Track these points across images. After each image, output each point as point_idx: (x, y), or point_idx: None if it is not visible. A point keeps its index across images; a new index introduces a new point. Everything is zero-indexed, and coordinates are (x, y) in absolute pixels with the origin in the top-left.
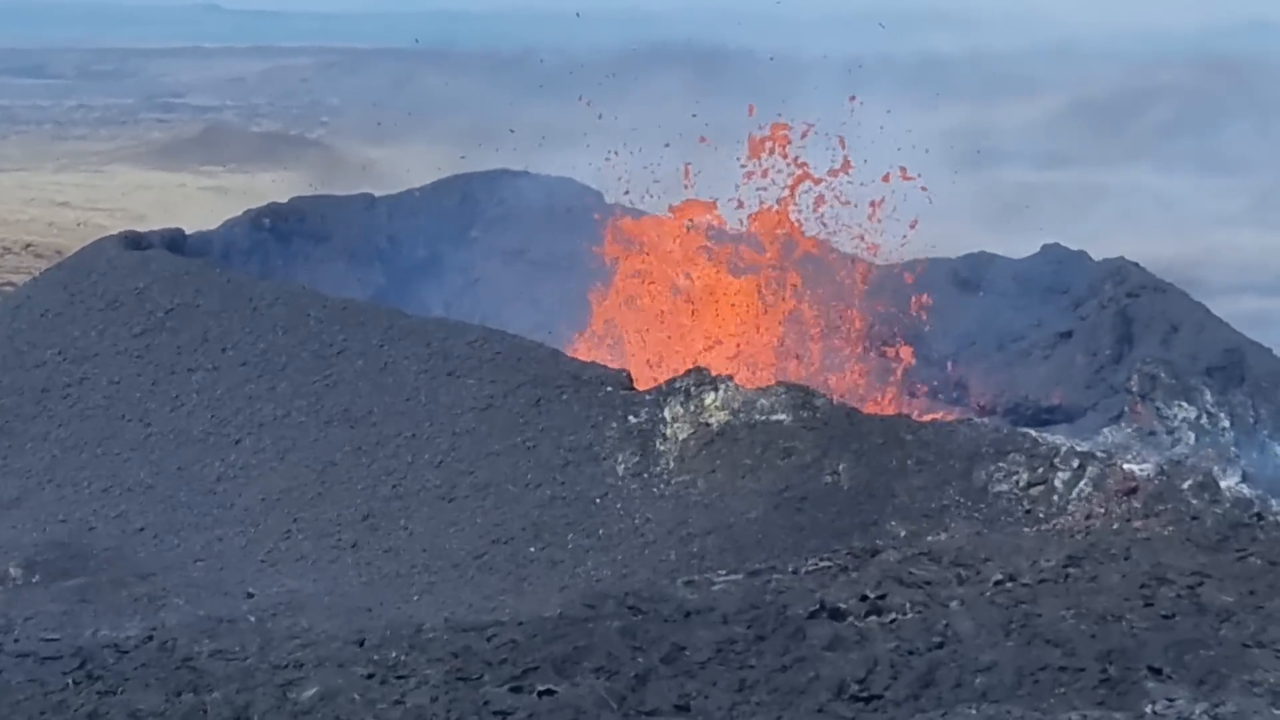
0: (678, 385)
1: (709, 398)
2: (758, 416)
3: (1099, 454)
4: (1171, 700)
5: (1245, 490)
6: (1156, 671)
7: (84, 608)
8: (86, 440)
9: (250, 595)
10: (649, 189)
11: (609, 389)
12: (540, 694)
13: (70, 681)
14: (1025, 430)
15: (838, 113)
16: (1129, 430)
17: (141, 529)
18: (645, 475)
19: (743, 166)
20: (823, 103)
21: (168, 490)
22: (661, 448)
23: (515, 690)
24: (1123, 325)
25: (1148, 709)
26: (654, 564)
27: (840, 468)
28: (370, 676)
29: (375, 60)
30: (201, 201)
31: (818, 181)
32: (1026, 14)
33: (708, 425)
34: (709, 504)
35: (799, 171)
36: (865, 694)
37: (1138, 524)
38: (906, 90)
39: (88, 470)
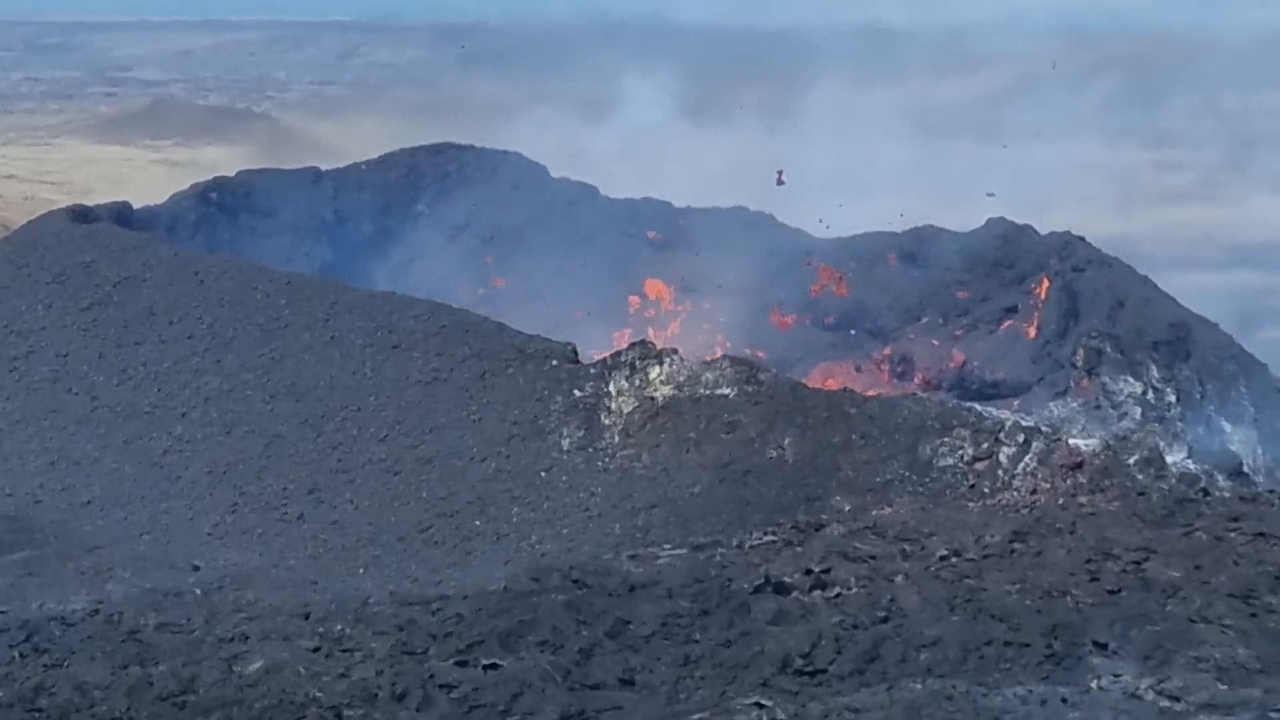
0: (623, 358)
1: (654, 371)
2: (702, 390)
3: (1044, 429)
4: (1117, 675)
5: (1191, 466)
6: (1102, 646)
7: (30, 580)
8: (33, 413)
9: (196, 568)
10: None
11: (554, 362)
12: (485, 667)
13: (16, 654)
14: (970, 405)
15: (787, 85)
16: (1075, 405)
17: (88, 502)
18: (590, 449)
19: None
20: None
21: (114, 463)
22: (606, 421)
23: (460, 664)
24: (1068, 300)
25: (1093, 684)
26: (599, 538)
27: (785, 442)
28: (316, 650)
29: (322, 34)
30: (149, 175)
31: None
32: None
33: (653, 399)
34: (653, 478)
35: None
36: (810, 668)
37: (1083, 499)
38: (855, 63)
39: (34, 443)
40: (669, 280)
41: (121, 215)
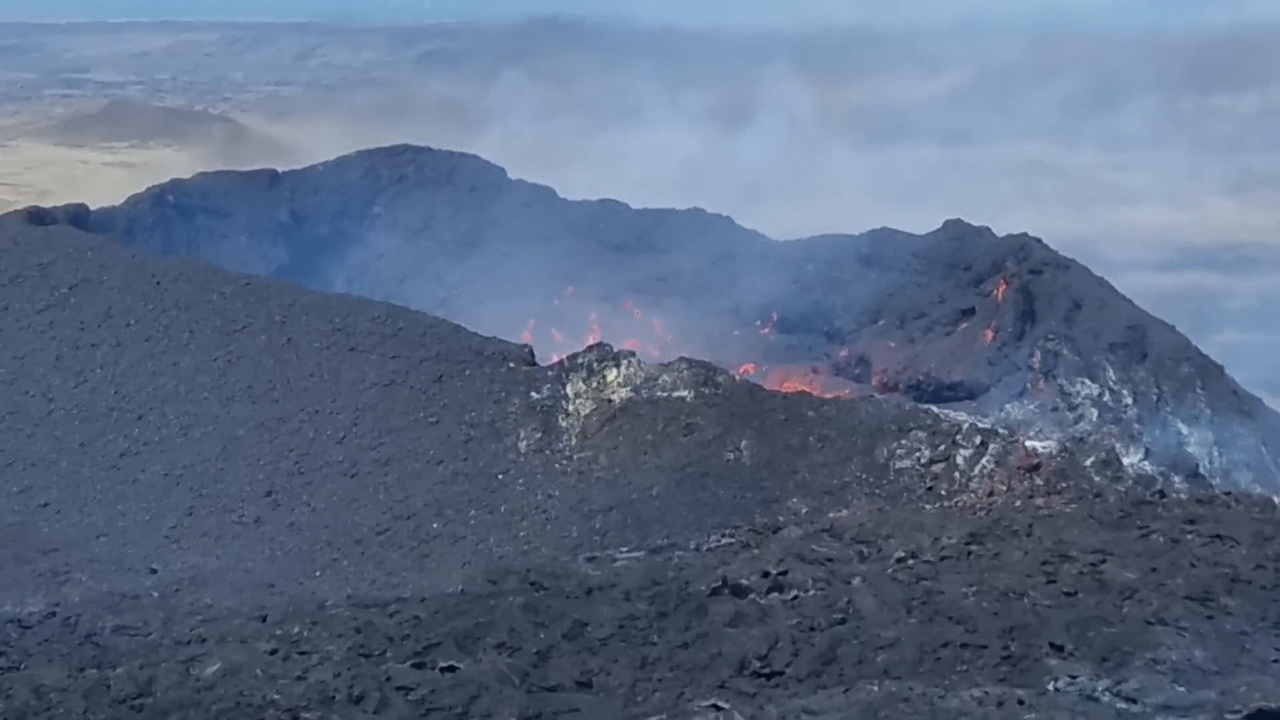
0: (580, 361)
1: (611, 374)
2: (660, 393)
3: (1001, 431)
4: (1074, 677)
5: (1148, 467)
6: (1059, 648)
7: None
8: None
9: (154, 571)
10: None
11: (511, 365)
12: (443, 669)
13: None
14: (927, 407)
15: (742, 85)
16: (1031, 407)
17: (45, 504)
18: (547, 451)
19: None
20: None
21: (71, 465)
22: (564, 424)
23: (418, 666)
24: (1025, 302)
25: (1050, 686)
26: (556, 540)
27: (742, 444)
28: (273, 652)
29: (278, 35)
30: (105, 177)
31: None
32: None
33: (610, 401)
34: (611, 480)
35: None
36: (767, 670)
37: (1040, 501)
38: (809, 64)
39: None
40: (626, 282)
41: (78, 217)
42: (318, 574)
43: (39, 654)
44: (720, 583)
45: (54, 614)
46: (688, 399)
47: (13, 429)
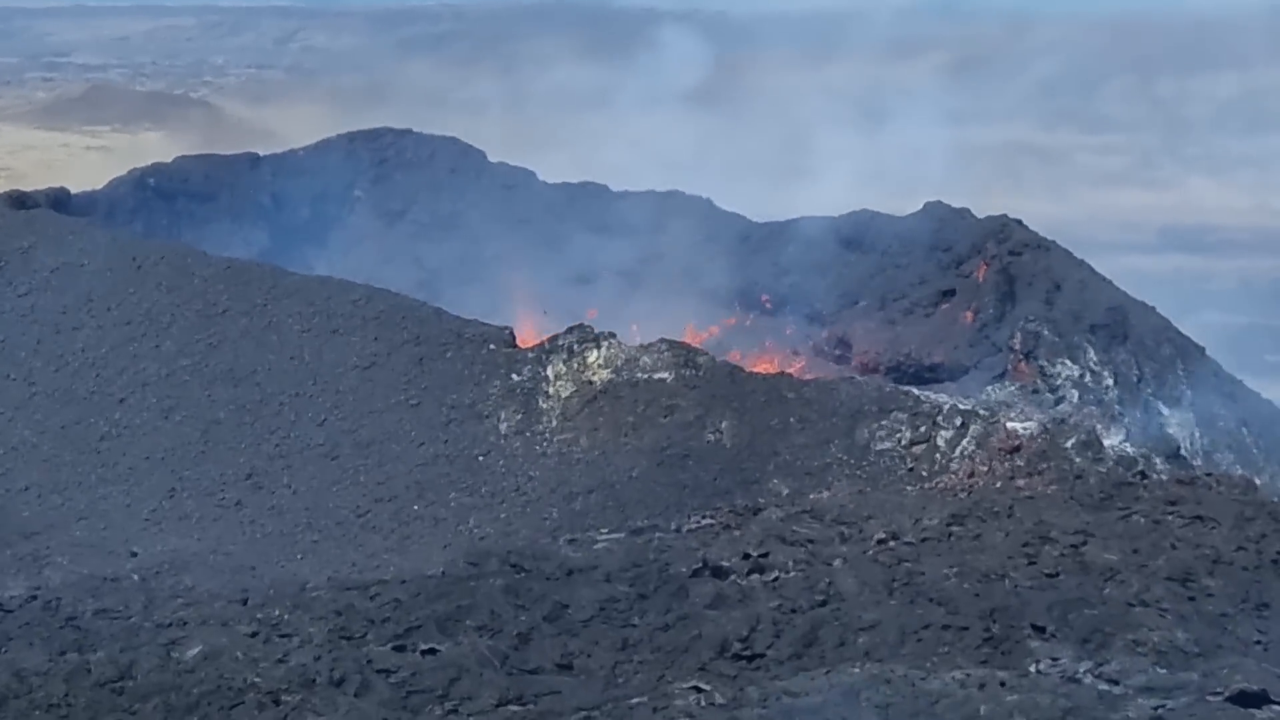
0: (560, 342)
1: (591, 355)
2: (640, 374)
3: (982, 412)
4: (1055, 659)
5: (1129, 449)
6: (1040, 630)
7: None
8: None
9: (134, 554)
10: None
11: (492, 347)
12: (423, 652)
13: None
14: (908, 388)
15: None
16: (1012, 388)
17: (25, 488)
18: (528, 433)
19: None
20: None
21: (52, 449)
22: (544, 405)
23: (399, 649)
24: (1005, 283)
25: (1031, 667)
26: (537, 522)
27: (723, 425)
28: (254, 635)
29: (259, 19)
30: (86, 161)
31: None
32: None
33: (590, 383)
34: (591, 462)
35: None
36: (748, 652)
37: (1021, 482)
38: (787, 46)
39: None
40: (606, 264)
41: (59, 201)
42: (299, 556)
43: (19, 637)
44: (701, 564)
45: (35, 597)
46: (668, 380)
47: None
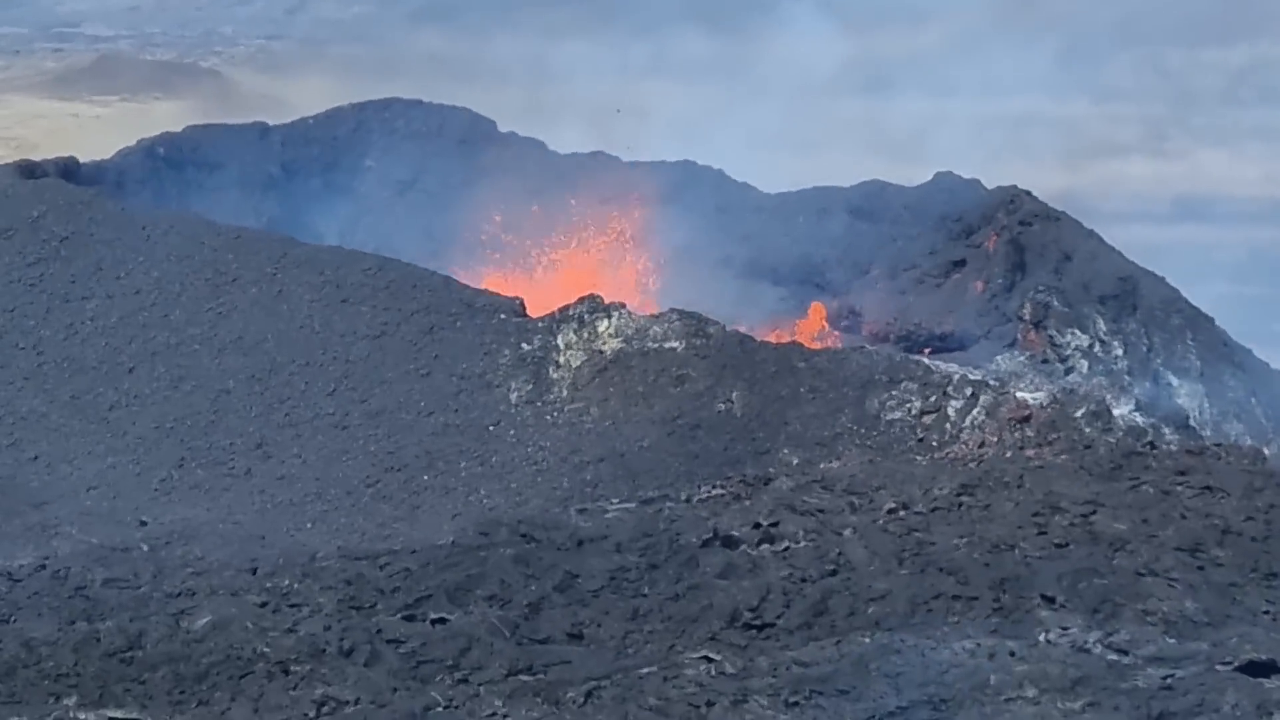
0: (571, 312)
1: (602, 325)
2: (650, 344)
3: (992, 382)
4: (1065, 628)
5: (1138, 418)
6: (1050, 600)
7: None
8: None
9: (143, 524)
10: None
11: (502, 316)
12: (433, 622)
13: None
14: (918, 358)
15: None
16: (1022, 358)
17: (35, 458)
18: (538, 403)
19: None
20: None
21: (61, 419)
22: (554, 375)
23: (408, 618)
24: (1015, 253)
25: (1041, 637)
26: (547, 492)
27: (733, 395)
28: (263, 605)
29: None
30: (95, 130)
31: None
32: None
33: (601, 353)
34: (602, 432)
35: None
36: (758, 622)
37: (1031, 452)
38: (796, 16)
39: None
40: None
41: (68, 170)
42: (308, 526)
43: (28, 607)
44: (711, 534)
45: (43, 567)
46: (679, 350)
47: (2, 382)
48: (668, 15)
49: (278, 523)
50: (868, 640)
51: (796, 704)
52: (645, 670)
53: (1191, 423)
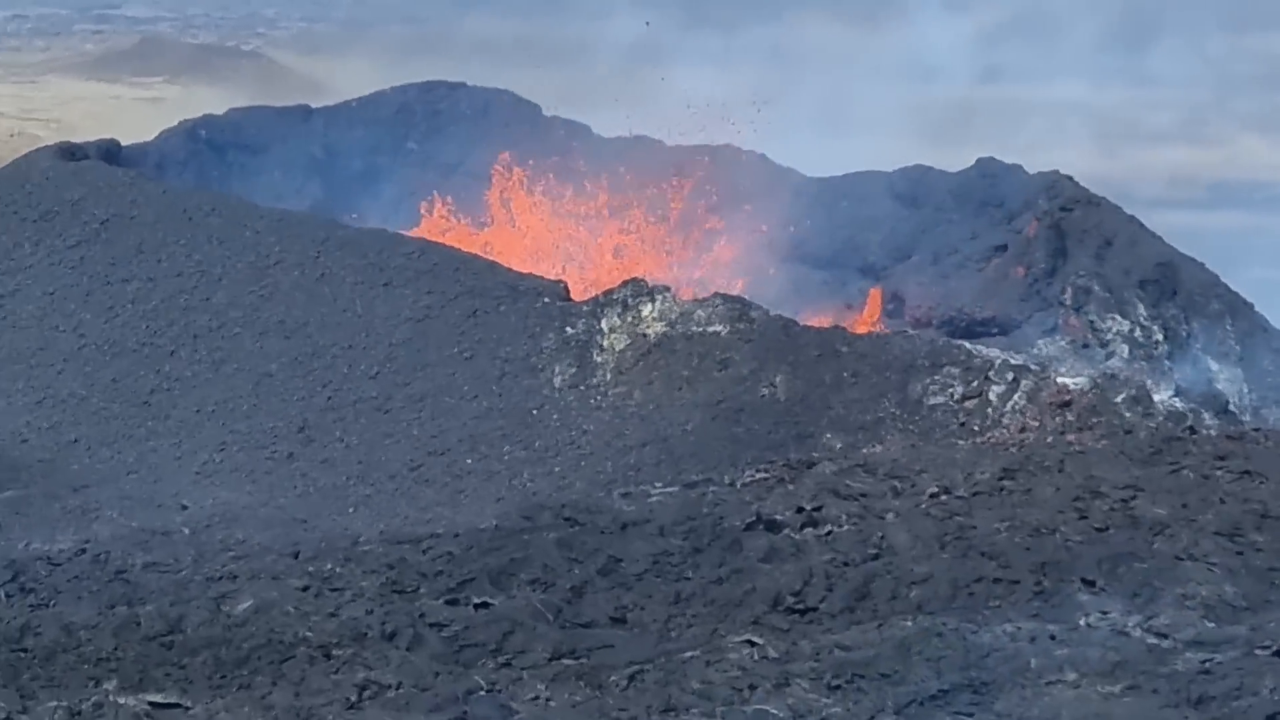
0: (615, 296)
1: (646, 309)
2: (695, 328)
3: (1033, 367)
4: (1105, 612)
5: (1178, 403)
6: (1090, 584)
7: (16, 520)
8: (20, 352)
9: (184, 507)
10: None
11: (546, 300)
12: (476, 606)
13: (2, 594)
14: (960, 343)
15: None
16: (1063, 343)
17: (75, 441)
18: (582, 387)
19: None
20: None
21: (102, 402)
22: (598, 359)
23: (451, 602)
24: (1056, 238)
25: (1081, 621)
26: (590, 476)
27: (777, 379)
28: (305, 589)
29: None
30: (137, 113)
31: None
32: None
33: (645, 336)
34: (645, 416)
35: None
36: (801, 606)
37: (1071, 437)
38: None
39: (20, 382)
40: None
41: (109, 153)
42: (351, 510)
43: (68, 591)
44: (754, 518)
45: (84, 551)
46: (722, 334)
47: (43, 365)
48: None
49: (320, 506)
50: (909, 624)
51: (839, 687)
52: (688, 654)
53: (1231, 407)
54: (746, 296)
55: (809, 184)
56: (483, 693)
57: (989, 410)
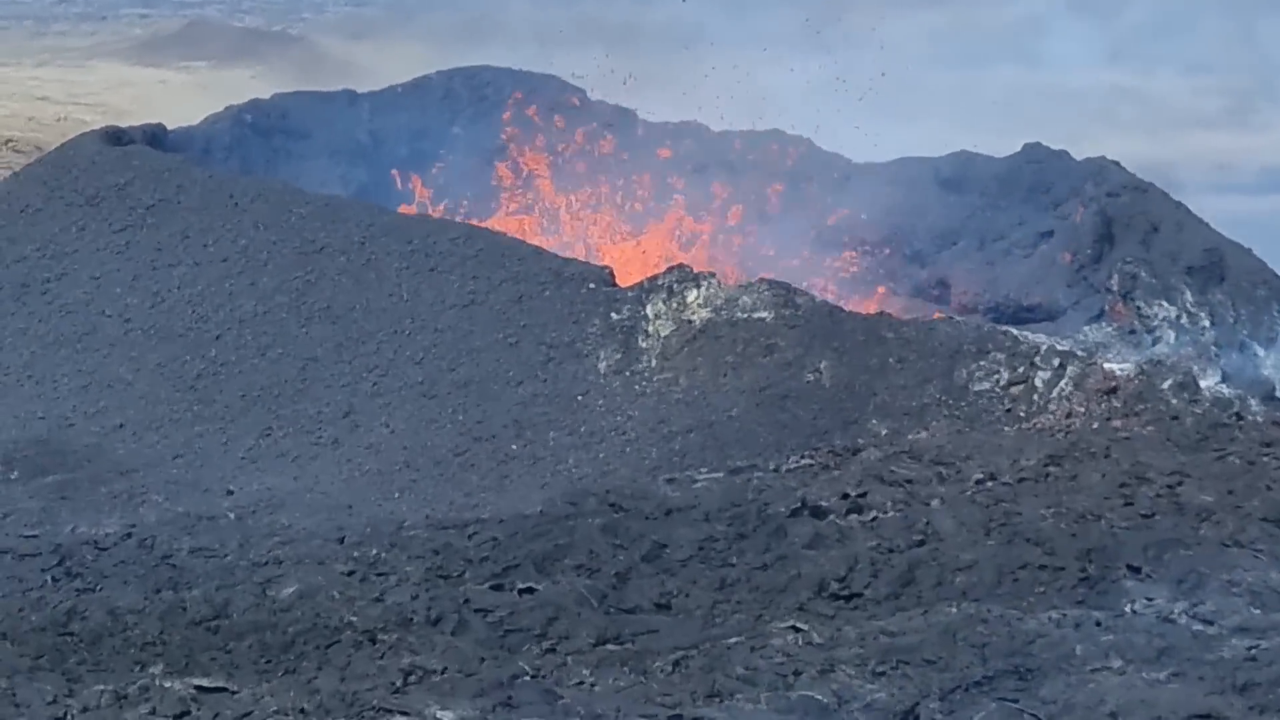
0: (660, 282)
1: (691, 295)
2: (740, 314)
3: (1079, 353)
4: (1151, 599)
5: (1225, 390)
6: (1136, 570)
7: (63, 504)
8: (66, 336)
9: (230, 492)
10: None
11: (591, 285)
12: (521, 591)
13: (49, 578)
14: (1006, 329)
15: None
16: (1109, 329)
17: (121, 425)
18: (627, 372)
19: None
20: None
21: (147, 387)
22: (643, 345)
23: (496, 588)
24: (1103, 225)
25: (1127, 608)
26: (635, 461)
27: (822, 365)
28: (350, 574)
29: None
30: (183, 97)
31: None
32: None
33: (690, 322)
34: (690, 401)
35: None
36: (846, 592)
37: (1117, 423)
38: None
39: (67, 366)
40: (705, 203)
41: (155, 137)
42: (396, 495)
43: (114, 575)
44: (799, 504)
45: (130, 535)
46: (768, 320)
47: (89, 350)
48: None
49: (365, 492)
50: (954, 610)
51: (883, 673)
52: (733, 640)
53: (1278, 394)
54: (791, 282)
55: (855, 169)
56: (527, 678)
57: (1035, 397)
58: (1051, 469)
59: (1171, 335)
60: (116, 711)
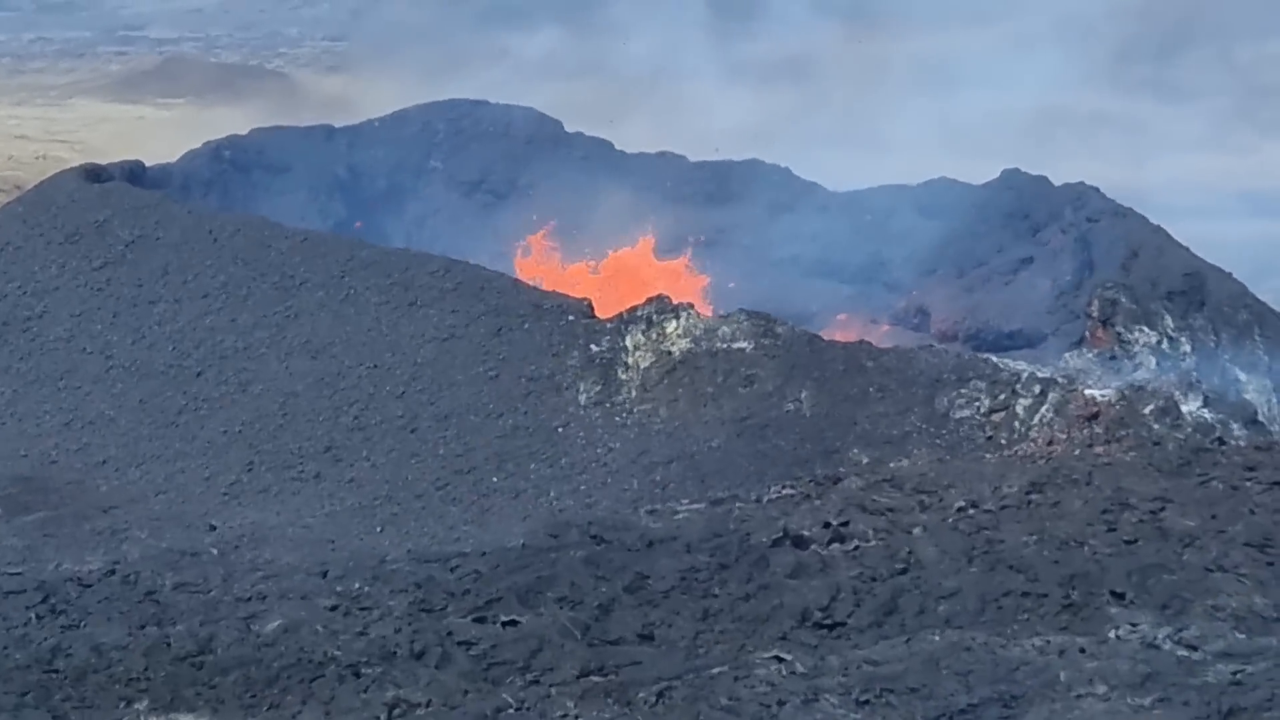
0: (639, 313)
1: (670, 325)
2: (719, 344)
3: (1060, 379)
4: (1134, 625)
5: (1207, 415)
6: (1119, 596)
7: (46, 541)
8: (47, 374)
9: (213, 528)
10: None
11: (570, 318)
12: (504, 624)
13: (33, 615)
14: (986, 356)
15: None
16: (1090, 355)
17: (103, 462)
18: (607, 404)
19: None
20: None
21: (129, 423)
22: (623, 376)
23: (479, 620)
24: (1083, 250)
25: (1111, 633)
26: (617, 493)
27: (802, 395)
28: (334, 608)
29: None
30: (161, 134)
31: None
32: None
33: (669, 353)
34: (671, 432)
35: None
36: (829, 621)
37: (1099, 449)
38: (863, 13)
39: (49, 404)
40: (684, 234)
41: (134, 174)
42: (378, 529)
43: (98, 612)
44: (781, 534)
45: (113, 571)
46: (747, 350)
47: (70, 387)
48: (734, 13)
49: (347, 526)
50: (938, 638)
51: (867, 702)
52: (716, 670)
53: (1260, 418)
54: (770, 312)
55: (833, 197)
56: (511, 710)
57: (1016, 423)
58: (1033, 496)
59: (1153, 360)
60: None
